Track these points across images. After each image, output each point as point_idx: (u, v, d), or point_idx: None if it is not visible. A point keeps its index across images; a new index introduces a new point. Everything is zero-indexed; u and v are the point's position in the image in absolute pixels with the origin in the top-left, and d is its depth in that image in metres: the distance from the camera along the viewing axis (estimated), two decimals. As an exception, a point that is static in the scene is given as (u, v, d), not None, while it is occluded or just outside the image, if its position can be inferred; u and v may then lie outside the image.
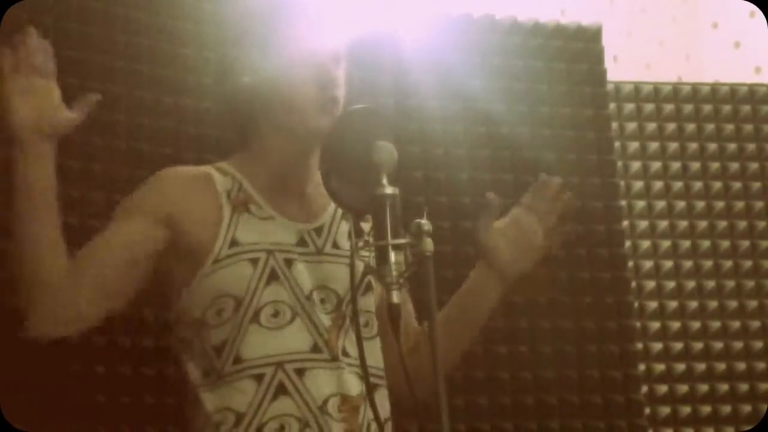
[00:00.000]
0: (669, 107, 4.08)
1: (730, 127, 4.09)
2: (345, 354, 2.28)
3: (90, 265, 2.24)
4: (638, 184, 4.01)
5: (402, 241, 1.97)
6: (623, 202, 3.80)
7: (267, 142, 2.33)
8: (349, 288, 2.25)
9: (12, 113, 2.16)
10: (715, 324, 3.95)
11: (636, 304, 3.78)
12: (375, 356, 2.33)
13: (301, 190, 2.35)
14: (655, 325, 3.91)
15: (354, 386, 2.26)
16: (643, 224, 3.98)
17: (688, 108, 4.09)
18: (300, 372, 2.23)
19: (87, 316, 2.25)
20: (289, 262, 2.28)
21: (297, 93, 2.28)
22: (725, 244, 4.01)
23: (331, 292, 2.30)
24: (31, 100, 2.19)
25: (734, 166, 4.07)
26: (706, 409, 3.87)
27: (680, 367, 3.89)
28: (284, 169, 2.34)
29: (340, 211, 2.37)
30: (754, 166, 4.08)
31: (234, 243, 2.26)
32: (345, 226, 2.35)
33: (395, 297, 1.96)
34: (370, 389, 2.19)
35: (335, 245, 2.34)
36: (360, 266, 2.23)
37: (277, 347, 2.23)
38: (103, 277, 2.24)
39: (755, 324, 3.97)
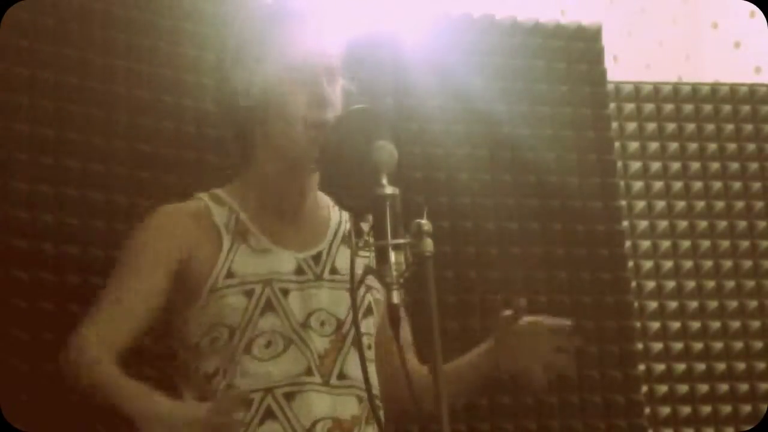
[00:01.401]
0: (669, 107, 4.08)
1: (730, 127, 4.09)
2: (342, 377, 2.28)
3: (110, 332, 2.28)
4: (638, 184, 4.01)
5: (402, 241, 1.98)
6: (623, 202, 3.79)
7: (262, 167, 2.34)
8: (349, 311, 2.26)
9: None
10: (715, 324, 3.94)
11: (636, 304, 3.78)
12: (373, 378, 2.33)
13: (296, 214, 2.35)
14: (655, 325, 3.91)
15: (348, 409, 2.27)
16: (643, 224, 3.98)
17: (688, 108, 4.09)
18: (289, 396, 2.24)
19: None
20: (285, 292, 2.29)
21: (290, 114, 2.28)
22: (725, 244, 4.01)
23: (331, 316, 2.31)
24: None
25: (734, 166, 4.07)
26: (706, 409, 3.86)
27: (680, 367, 3.89)
28: (278, 193, 2.34)
29: (338, 237, 2.37)
30: (754, 166, 4.08)
31: (230, 274, 2.28)
32: (344, 251, 2.35)
33: (395, 297, 1.97)
34: (375, 407, 2.20)
35: (333, 271, 2.35)
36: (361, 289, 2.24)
37: (268, 375, 2.25)
38: (119, 338, 2.27)
39: (755, 324, 3.97)
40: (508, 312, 2.42)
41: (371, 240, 2.01)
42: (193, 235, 2.30)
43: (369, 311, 2.36)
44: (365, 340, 2.33)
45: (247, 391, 2.22)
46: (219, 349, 2.26)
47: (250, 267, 2.29)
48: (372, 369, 2.34)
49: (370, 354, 2.34)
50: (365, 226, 2.12)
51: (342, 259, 2.35)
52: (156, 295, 2.28)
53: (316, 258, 2.34)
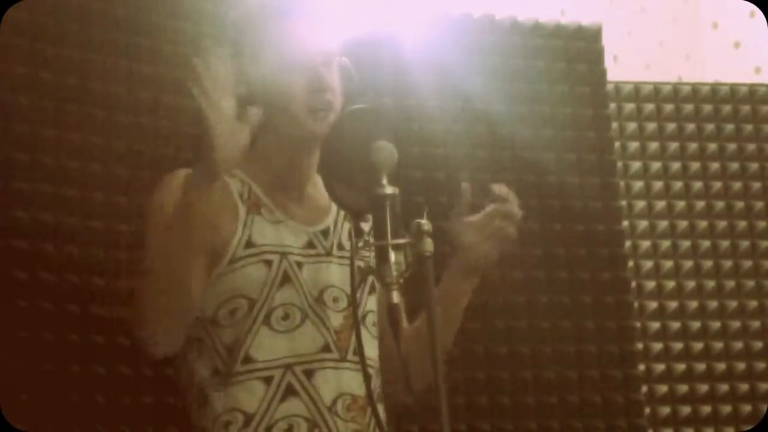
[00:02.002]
0: (669, 107, 4.08)
1: (730, 127, 4.09)
2: (355, 353, 2.29)
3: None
4: (638, 184, 4.01)
5: (402, 241, 1.98)
6: (623, 202, 3.80)
7: (264, 146, 2.34)
8: (357, 287, 2.26)
9: (216, 151, 2.07)
10: (715, 324, 3.95)
11: (636, 304, 3.78)
12: (375, 355, 2.34)
13: (301, 191, 2.35)
14: (655, 325, 3.91)
15: (363, 386, 2.27)
16: (643, 224, 3.98)
17: (688, 108, 4.09)
18: (309, 373, 2.25)
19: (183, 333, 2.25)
20: (299, 265, 2.29)
21: (290, 99, 2.29)
22: (725, 244, 4.01)
23: (343, 292, 2.31)
24: (229, 138, 2.09)
25: (734, 166, 4.07)
26: (706, 409, 3.87)
27: (680, 367, 3.89)
28: (282, 171, 2.34)
29: (342, 213, 2.38)
30: (754, 166, 4.08)
31: (249, 244, 2.27)
32: (348, 228, 2.35)
33: (395, 297, 1.97)
34: (369, 388, 2.20)
35: (340, 246, 2.35)
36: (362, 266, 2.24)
37: (286, 349, 2.25)
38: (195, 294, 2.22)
39: (755, 324, 3.97)
40: (454, 211, 2.39)
41: (371, 240, 2.01)
42: (212, 198, 2.28)
43: (374, 288, 2.37)
44: (371, 318, 2.34)
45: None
46: (238, 320, 2.25)
47: (267, 237, 2.28)
48: (376, 345, 2.35)
49: (376, 330, 2.35)
50: (365, 226, 2.13)
51: (347, 235, 2.35)
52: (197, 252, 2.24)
53: (325, 233, 2.35)
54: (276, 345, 2.25)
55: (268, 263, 2.27)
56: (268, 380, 2.24)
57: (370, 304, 2.36)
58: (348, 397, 2.26)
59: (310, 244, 2.33)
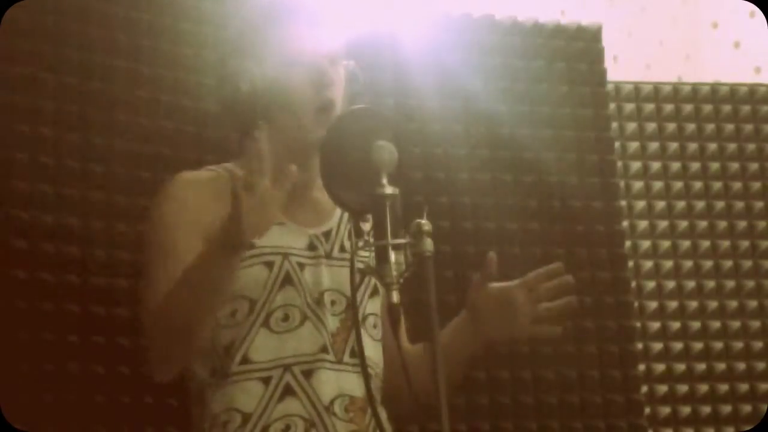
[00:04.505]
0: (669, 107, 4.08)
1: (730, 127, 4.09)
2: (354, 355, 2.28)
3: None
4: (638, 184, 4.01)
5: (402, 241, 1.98)
6: (623, 202, 3.80)
7: (270, 149, 2.33)
8: (358, 290, 2.26)
9: (240, 232, 2.05)
10: (715, 324, 3.95)
11: (636, 304, 3.78)
12: (378, 358, 2.34)
13: (307, 193, 2.35)
14: (655, 325, 3.91)
15: (361, 387, 2.27)
16: (643, 224, 3.98)
17: (688, 108, 4.09)
18: (307, 373, 2.24)
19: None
20: (301, 266, 2.29)
21: (293, 95, 2.29)
22: (725, 244, 4.01)
23: (341, 295, 2.31)
24: (256, 216, 2.05)
25: (734, 166, 4.07)
26: (706, 409, 3.87)
27: (680, 367, 3.89)
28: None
29: (345, 216, 2.37)
30: (754, 166, 4.08)
31: (250, 246, 2.27)
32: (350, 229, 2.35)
33: (395, 297, 1.97)
34: (370, 389, 2.20)
35: (342, 249, 2.35)
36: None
37: (285, 350, 2.25)
38: None
39: (755, 324, 3.97)
40: (477, 276, 2.38)
41: (371, 240, 2.01)
42: (214, 206, 2.28)
43: (375, 291, 2.37)
44: (371, 320, 2.34)
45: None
46: (238, 321, 2.25)
47: (268, 239, 2.28)
48: (378, 348, 2.35)
49: (376, 333, 2.35)
50: (365, 226, 2.13)
51: (349, 237, 2.35)
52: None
53: (327, 235, 2.35)
54: (275, 345, 2.25)
55: (269, 264, 2.27)
56: (266, 380, 2.24)
57: (371, 306, 2.35)
58: (346, 397, 2.26)
59: (312, 246, 2.32)
